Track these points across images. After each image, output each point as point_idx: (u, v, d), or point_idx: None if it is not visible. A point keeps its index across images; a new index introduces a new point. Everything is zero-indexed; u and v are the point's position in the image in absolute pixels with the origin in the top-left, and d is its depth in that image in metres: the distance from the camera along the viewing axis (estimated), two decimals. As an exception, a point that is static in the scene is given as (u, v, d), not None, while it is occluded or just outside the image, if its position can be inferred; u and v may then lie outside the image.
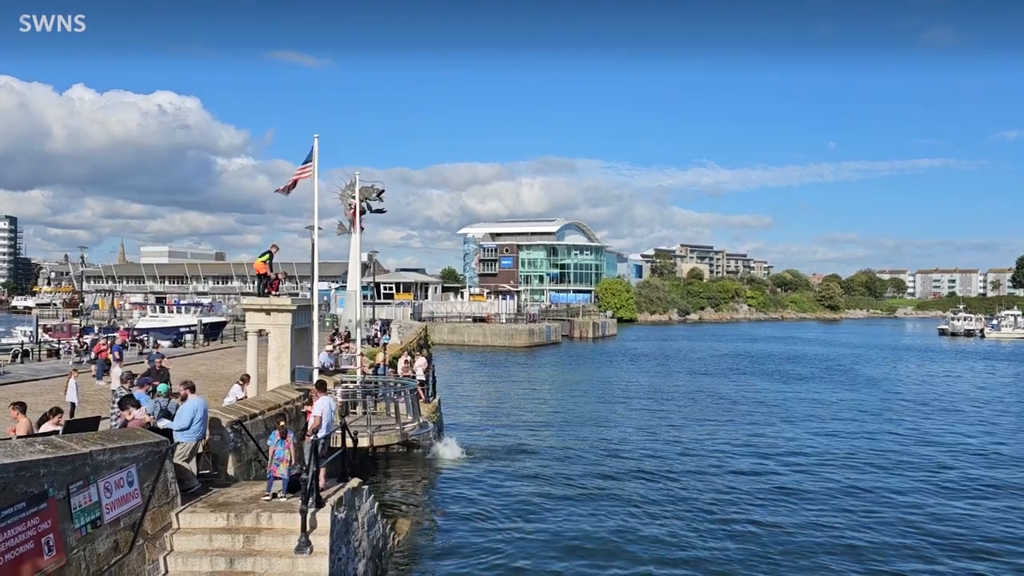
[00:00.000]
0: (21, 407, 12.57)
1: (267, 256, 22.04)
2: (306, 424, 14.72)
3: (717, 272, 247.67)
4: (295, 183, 21.24)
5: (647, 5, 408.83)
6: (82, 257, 78.03)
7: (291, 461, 13.10)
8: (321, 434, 13.60)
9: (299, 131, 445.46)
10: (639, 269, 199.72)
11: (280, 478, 12.94)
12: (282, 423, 13.57)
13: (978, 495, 22.26)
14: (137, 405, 13.52)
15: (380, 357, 28.59)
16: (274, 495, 12.97)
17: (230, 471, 14.43)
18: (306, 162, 21.68)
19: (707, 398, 43.37)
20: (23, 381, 25.02)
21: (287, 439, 13.10)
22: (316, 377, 19.66)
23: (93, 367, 26.78)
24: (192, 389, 13.77)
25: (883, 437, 31.42)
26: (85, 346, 36.33)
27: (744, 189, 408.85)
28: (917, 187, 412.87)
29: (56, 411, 12.83)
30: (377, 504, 15.46)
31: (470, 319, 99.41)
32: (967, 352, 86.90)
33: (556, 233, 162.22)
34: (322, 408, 13.96)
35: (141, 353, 35.50)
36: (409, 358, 30.01)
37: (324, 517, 12.16)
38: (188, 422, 12.97)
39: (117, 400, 14.02)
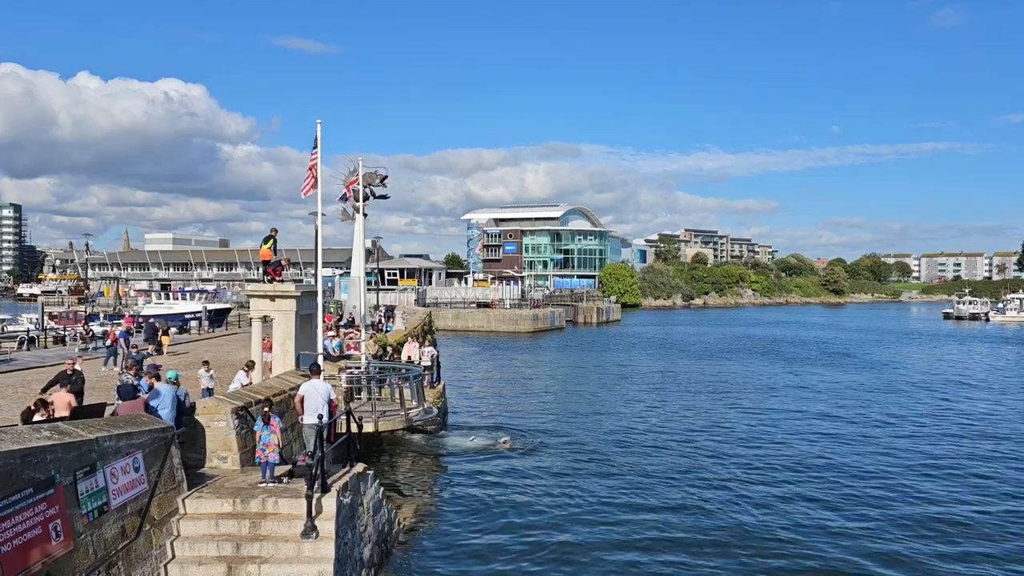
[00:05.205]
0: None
1: (271, 242, 21.99)
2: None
3: (721, 257, 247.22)
4: (315, 181, 20.80)
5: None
6: (87, 244, 78.24)
7: (279, 444, 13.17)
8: (312, 419, 13.57)
9: (305, 118, 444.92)
10: (643, 254, 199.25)
11: (269, 462, 13.01)
12: (266, 409, 13.58)
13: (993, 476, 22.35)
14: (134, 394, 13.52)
15: (373, 346, 28.17)
16: (278, 479, 13.03)
17: (235, 457, 14.47)
18: (313, 151, 21.51)
19: (713, 382, 43.32)
20: (29, 368, 25.11)
21: (272, 423, 13.16)
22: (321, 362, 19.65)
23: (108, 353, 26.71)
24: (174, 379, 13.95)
25: (885, 416, 31.45)
26: (91, 333, 36.42)
27: (748, 174, 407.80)
28: (922, 171, 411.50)
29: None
30: (382, 489, 15.53)
31: (474, 305, 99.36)
32: (972, 336, 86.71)
33: (560, 218, 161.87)
34: (304, 391, 13.98)
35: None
36: (419, 341, 29.84)
37: (330, 502, 12.23)
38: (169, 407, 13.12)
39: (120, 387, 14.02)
